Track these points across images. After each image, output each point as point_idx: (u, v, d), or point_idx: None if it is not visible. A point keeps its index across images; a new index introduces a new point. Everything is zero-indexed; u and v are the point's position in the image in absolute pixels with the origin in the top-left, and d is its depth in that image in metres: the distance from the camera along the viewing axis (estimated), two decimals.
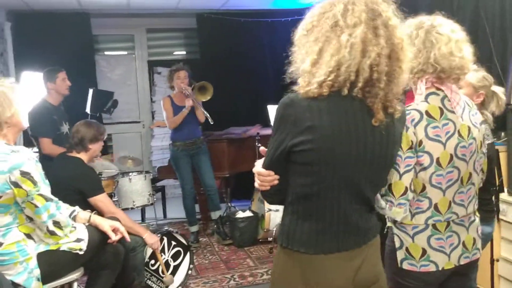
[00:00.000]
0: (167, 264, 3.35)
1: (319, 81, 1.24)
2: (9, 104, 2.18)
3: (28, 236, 2.21)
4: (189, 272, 3.51)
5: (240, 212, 4.61)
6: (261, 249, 4.42)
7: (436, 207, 1.62)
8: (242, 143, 5.05)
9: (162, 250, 3.33)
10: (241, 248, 4.45)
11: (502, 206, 2.78)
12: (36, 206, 2.14)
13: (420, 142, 1.56)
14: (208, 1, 5.75)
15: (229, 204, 5.18)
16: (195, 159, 4.57)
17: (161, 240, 3.30)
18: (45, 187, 2.20)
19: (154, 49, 6.75)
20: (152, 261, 3.27)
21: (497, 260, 2.80)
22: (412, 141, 1.55)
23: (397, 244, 1.67)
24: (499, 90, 2.28)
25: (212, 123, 4.37)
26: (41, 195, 2.15)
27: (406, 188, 1.56)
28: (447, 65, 1.56)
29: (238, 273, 3.89)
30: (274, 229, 4.28)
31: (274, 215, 4.29)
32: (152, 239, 3.10)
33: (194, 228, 4.66)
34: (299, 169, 1.30)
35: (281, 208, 1.42)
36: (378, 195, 1.59)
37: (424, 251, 1.63)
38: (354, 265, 1.35)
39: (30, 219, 2.19)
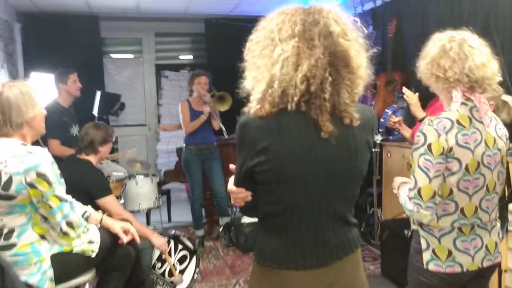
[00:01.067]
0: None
1: (257, 98, 1.23)
2: (32, 105, 2.19)
3: (42, 237, 2.22)
4: (195, 276, 3.51)
5: (245, 217, 4.60)
6: None
7: (462, 211, 1.69)
8: None
9: (169, 253, 3.32)
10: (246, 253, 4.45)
11: (510, 217, 2.78)
12: (50, 207, 2.15)
13: (451, 149, 1.63)
14: (217, 7, 5.79)
15: (235, 209, 5.17)
16: (207, 164, 4.59)
17: (168, 243, 3.29)
18: (60, 188, 2.21)
19: (161, 53, 6.79)
20: (159, 264, 3.27)
21: (505, 271, 2.82)
22: (443, 148, 1.62)
23: (424, 246, 1.74)
24: (508, 99, 2.34)
25: (226, 136, 4.37)
26: (56, 196, 2.16)
27: (435, 192, 1.64)
28: (480, 76, 1.65)
29: (243, 278, 3.89)
30: None
31: None
32: (159, 240, 3.11)
33: (200, 232, 4.68)
34: (262, 188, 1.30)
35: None
36: (406, 198, 1.65)
37: (449, 253, 1.70)
38: (326, 281, 1.32)
39: (45, 218, 2.20)
